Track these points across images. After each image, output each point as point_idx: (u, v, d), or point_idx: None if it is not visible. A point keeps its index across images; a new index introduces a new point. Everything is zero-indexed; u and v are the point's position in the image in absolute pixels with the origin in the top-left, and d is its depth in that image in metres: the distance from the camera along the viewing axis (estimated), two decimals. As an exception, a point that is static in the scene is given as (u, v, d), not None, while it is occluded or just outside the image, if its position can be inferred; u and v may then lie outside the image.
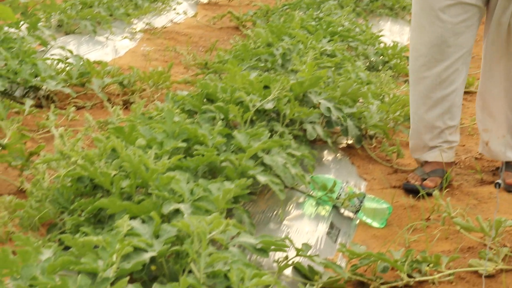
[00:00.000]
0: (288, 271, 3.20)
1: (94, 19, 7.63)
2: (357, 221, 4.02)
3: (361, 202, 3.97)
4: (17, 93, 5.51)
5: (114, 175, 3.30)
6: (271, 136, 3.99)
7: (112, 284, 2.43)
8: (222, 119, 4.16)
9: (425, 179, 4.50)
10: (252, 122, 4.24)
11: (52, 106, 5.23)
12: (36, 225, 3.42)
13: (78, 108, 5.54)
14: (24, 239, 2.66)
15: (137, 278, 2.73)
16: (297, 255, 3.11)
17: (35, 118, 5.14)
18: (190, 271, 2.72)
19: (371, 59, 7.29)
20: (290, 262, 3.12)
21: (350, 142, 5.13)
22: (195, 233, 2.65)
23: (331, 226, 3.85)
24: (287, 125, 4.49)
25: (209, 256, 2.67)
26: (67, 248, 2.84)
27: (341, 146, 5.10)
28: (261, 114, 4.38)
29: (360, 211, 3.98)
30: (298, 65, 5.35)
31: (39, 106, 5.43)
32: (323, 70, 5.12)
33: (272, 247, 2.94)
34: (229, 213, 3.37)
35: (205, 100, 4.49)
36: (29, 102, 5.09)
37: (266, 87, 4.55)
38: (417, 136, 4.58)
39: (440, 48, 4.32)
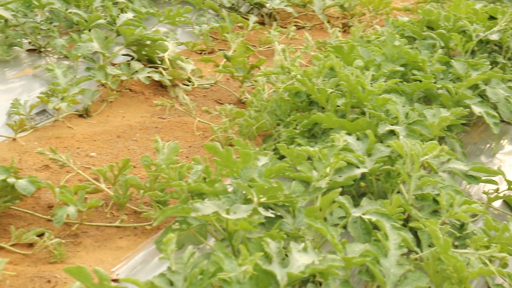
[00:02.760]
0: (497, 204, 3.15)
1: None
2: None
3: None
4: (242, 9, 5.73)
5: (331, 92, 3.38)
6: (491, 69, 3.88)
7: (323, 194, 2.53)
8: (442, 47, 4.11)
9: None
10: (472, 52, 4.14)
11: (274, 23, 5.39)
12: (253, 134, 3.61)
13: (298, 27, 5.68)
14: (243, 144, 2.81)
15: (345, 192, 2.81)
16: (508, 188, 3.06)
17: (257, 34, 5.34)
18: (398, 192, 2.76)
19: None
20: (500, 195, 3.07)
21: None
22: (409, 154, 2.68)
23: (548, 165, 3.72)
24: (509, 59, 4.33)
25: (419, 179, 2.69)
26: (280, 157, 2.98)
27: None
28: (483, 45, 4.26)
29: None
30: (527, -2, 5.10)
31: (261, 23, 5.62)
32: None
33: (483, 175, 2.91)
34: (441, 141, 3.36)
35: (425, 27, 4.44)
36: (253, 18, 5.28)
37: (491, 18, 4.40)
38: None
39: None
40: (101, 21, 4.36)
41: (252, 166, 2.64)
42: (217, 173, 2.74)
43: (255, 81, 4.11)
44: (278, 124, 3.58)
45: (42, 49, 4.38)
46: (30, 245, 2.70)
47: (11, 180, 2.77)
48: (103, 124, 3.84)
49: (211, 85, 4.46)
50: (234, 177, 2.63)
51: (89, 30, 4.19)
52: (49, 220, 2.87)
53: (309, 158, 2.85)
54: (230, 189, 2.61)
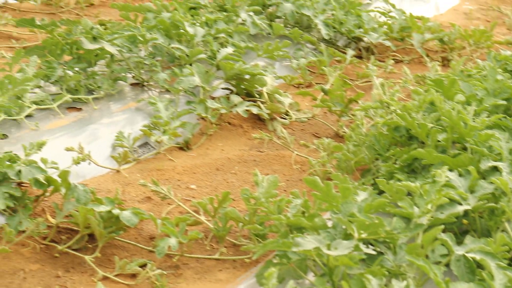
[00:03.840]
0: None
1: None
2: None
3: None
4: (340, 43, 5.75)
5: (431, 127, 3.35)
6: None
7: (425, 231, 2.50)
8: (548, 81, 4.01)
9: None
10: None
11: (372, 57, 5.38)
12: (351, 168, 3.60)
13: (396, 61, 5.65)
14: (342, 179, 2.81)
15: (447, 229, 2.76)
16: None
17: (354, 67, 5.34)
18: (502, 230, 2.70)
19: None
20: None
21: None
22: (514, 191, 2.62)
23: None
24: None
25: (524, 217, 2.62)
26: (379, 193, 2.95)
27: None
28: None
29: None
30: None
31: (359, 56, 5.61)
32: None
33: None
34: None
35: (529, 61, 4.35)
36: (350, 52, 5.29)
37: None
38: None
39: None
40: (202, 55, 4.45)
41: (352, 201, 2.64)
42: (316, 207, 2.74)
43: (353, 115, 4.10)
44: (377, 159, 3.56)
45: (145, 83, 4.51)
46: (133, 276, 2.76)
47: (115, 211, 2.85)
48: (202, 157, 3.90)
49: (308, 119, 4.48)
50: (334, 211, 2.62)
51: (190, 65, 4.29)
52: (151, 251, 2.94)
53: (408, 194, 2.81)
54: (328, 224, 2.61)
